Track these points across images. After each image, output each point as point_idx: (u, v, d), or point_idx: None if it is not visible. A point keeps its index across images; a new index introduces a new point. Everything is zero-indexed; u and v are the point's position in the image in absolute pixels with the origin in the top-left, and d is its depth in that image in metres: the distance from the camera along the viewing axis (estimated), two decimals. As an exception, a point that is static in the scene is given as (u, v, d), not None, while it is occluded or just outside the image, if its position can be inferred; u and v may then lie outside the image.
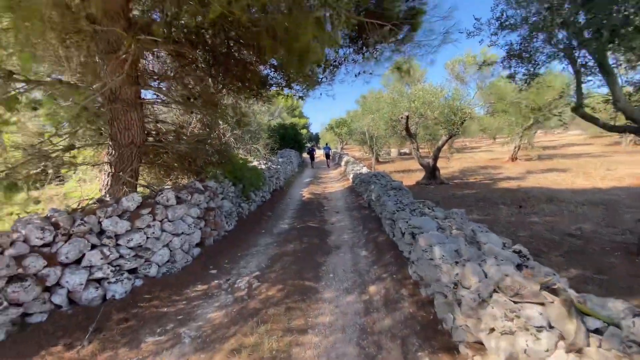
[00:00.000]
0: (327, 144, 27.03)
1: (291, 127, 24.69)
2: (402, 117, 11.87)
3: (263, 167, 10.52)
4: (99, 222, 3.84)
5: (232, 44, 6.19)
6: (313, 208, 8.98)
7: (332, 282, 4.16)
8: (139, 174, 5.61)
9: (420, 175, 15.46)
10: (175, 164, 7.13)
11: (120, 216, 4.05)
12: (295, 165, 19.91)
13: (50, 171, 4.33)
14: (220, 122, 10.67)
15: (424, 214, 5.01)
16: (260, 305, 3.54)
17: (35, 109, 4.36)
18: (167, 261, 4.46)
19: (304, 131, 36.92)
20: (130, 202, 4.19)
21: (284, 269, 4.51)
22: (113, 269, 3.79)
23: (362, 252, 5.13)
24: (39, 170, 4.29)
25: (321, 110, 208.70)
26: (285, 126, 24.26)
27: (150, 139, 6.52)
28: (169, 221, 4.59)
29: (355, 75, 6.76)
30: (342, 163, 19.55)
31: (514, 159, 19.81)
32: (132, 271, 4.06)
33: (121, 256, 3.89)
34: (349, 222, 7.16)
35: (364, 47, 6.23)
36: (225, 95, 7.52)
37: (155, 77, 5.79)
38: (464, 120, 10.70)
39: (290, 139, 23.58)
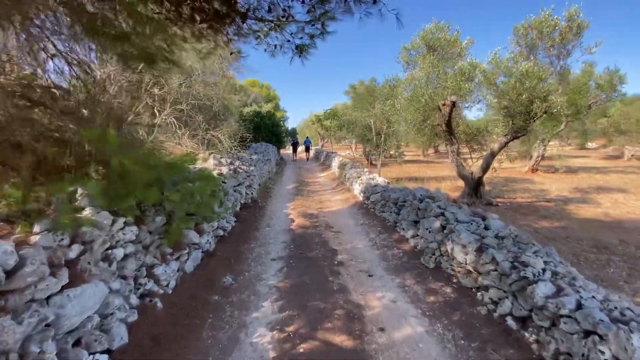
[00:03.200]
0: (307, 137, 26.08)
1: (268, 116, 19.92)
2: (444, 104, 7.84)
3: (224, 170, 5.97)
4: None
5: None
6: (316, 258, 4.63)
7: None
8: None
9: (442, 187, 11.64)
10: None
11: None
12: (273, 165, 15.35)
13: None
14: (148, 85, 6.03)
15: None
16: None
17: None
18: None
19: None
20: None
21: None
22: None
23: None
24: None
25: (299, 105, 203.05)
26: (261, 114, 19.48)
27: None
28: None
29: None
30: (334, 165, 15.28)
31: (534, 170, 16.74)
32: None
33: None
34: (430, 335, 2.90)
35: None
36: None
37: None
38: (546, 111, 6.93)
39: (268, 130, 18.93)
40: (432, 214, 4.58)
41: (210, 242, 4.46)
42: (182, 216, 3.68)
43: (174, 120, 6.33)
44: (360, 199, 8.67)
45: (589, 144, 33.04)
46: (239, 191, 7.01)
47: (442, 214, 4.45)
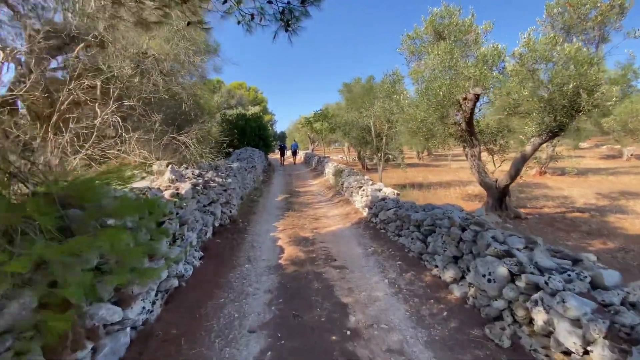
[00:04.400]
0: (294, 141, 26.23)
1: (254, 119, 18.24)
2: (466, 99, 6.43)
3: (185, 187, 4.33)
4: None
5: None
6: (318, 324, 3.04)
7: None
8: None
9: (451, 195, 10.27)
10: None
11: None
12: (259, 172, 13.69)
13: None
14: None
15: None
16: None
17: None
18: None
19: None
20: None
21: None
22: None
23: None
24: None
25: (288, 108, 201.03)
26: (245, 117, 17.81)
27: None
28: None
29: None
30: (327, 171, 13.74)
31: (542, 173, 15.60)
32: None
33: None
34: None
35: None
36: None
37: None
38: (596, 105, 5.61)
39: (254, 134, 17.30)
40: (490, 253, 3.07)
41: (150, 310, 2.82)
42: (82, 285, 2.04)
43: (119, 120, 4.66)
44: (365, 214, 7.14)
45: (582, 143, 32.65)
46: (212, 212, 5.38)
47: (508, 253, 2.94)
